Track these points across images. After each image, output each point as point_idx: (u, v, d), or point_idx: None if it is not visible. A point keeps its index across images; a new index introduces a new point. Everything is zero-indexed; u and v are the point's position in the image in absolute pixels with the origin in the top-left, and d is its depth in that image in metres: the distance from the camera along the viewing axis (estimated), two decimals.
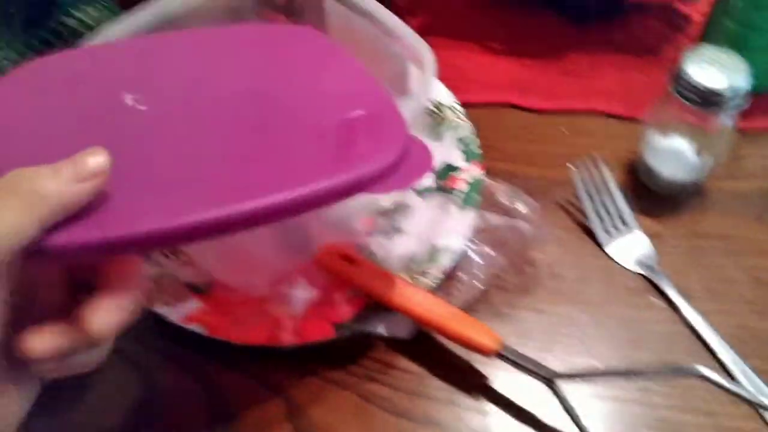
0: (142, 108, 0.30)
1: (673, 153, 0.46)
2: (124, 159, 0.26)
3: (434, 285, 0.42)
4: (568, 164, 0.48)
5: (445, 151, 0.49)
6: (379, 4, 0.42)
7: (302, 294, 0.42)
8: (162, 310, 0.41)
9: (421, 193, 0.48)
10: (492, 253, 0.43)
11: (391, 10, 0.42)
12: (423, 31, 0.41)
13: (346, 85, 0.33)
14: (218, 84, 0.33)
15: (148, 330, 0.42)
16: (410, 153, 0.29)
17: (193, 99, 0.32)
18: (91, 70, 0.33)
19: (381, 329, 0.41)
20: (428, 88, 0.40)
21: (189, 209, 0.26)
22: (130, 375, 0.41)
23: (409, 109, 0.39)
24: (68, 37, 0.52)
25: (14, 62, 0.51)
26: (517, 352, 0.37)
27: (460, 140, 0.49)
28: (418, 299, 0.40)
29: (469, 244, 0.43)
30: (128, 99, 0.30)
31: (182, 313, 0.41)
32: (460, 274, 0.43)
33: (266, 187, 0.27)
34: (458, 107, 0.51)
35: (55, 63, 0.33)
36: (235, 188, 0.27)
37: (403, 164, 0.29)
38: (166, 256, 0.44)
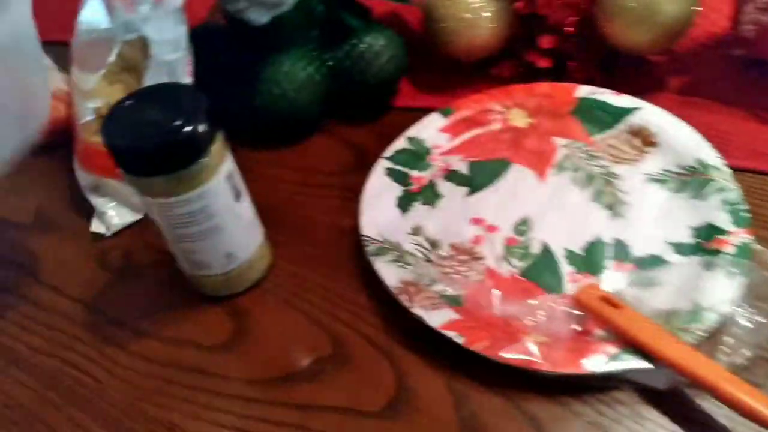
0: None
1: None
2: None
3: (695, 344, 0.40)
4: None
5: (708, 212, 0.48)
6: None
7: (559, 325, 0.42)
8: (422, 313, 0.43)
9: (681, 250, 0.47)
10: (764, 321, 0.41)
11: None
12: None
13: None
14: None
15: (409, 330, 0.44)
16: None
17: None
18: None
19: (636, 376, 0.40)
20: None
21: None
22: (385, 367, 0.43)
23: None
24: (356, 59, 0.58)
25: (310, 75, 0.57)
26: None
27: (727, 203, 0.48)
28: (684, 353, 0.38)
29: (739, 308, 0.41)
30: None
31: (440, 320, 0.43)
32: (725, 337, 0.41)
33: None
34: (725, 169, 0.50)
35: None
36: None
37: None
38: (428, 261, 0.47)
